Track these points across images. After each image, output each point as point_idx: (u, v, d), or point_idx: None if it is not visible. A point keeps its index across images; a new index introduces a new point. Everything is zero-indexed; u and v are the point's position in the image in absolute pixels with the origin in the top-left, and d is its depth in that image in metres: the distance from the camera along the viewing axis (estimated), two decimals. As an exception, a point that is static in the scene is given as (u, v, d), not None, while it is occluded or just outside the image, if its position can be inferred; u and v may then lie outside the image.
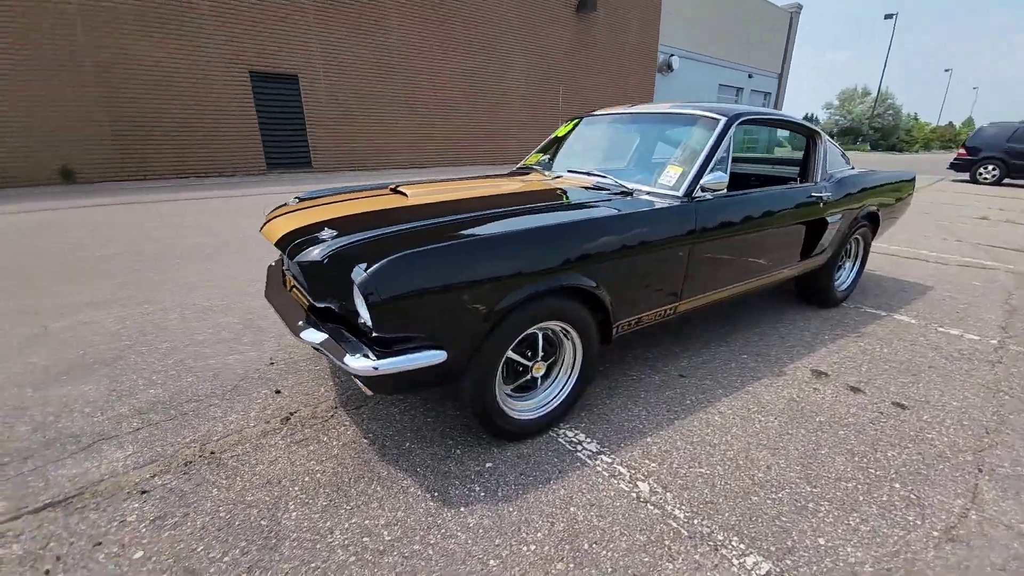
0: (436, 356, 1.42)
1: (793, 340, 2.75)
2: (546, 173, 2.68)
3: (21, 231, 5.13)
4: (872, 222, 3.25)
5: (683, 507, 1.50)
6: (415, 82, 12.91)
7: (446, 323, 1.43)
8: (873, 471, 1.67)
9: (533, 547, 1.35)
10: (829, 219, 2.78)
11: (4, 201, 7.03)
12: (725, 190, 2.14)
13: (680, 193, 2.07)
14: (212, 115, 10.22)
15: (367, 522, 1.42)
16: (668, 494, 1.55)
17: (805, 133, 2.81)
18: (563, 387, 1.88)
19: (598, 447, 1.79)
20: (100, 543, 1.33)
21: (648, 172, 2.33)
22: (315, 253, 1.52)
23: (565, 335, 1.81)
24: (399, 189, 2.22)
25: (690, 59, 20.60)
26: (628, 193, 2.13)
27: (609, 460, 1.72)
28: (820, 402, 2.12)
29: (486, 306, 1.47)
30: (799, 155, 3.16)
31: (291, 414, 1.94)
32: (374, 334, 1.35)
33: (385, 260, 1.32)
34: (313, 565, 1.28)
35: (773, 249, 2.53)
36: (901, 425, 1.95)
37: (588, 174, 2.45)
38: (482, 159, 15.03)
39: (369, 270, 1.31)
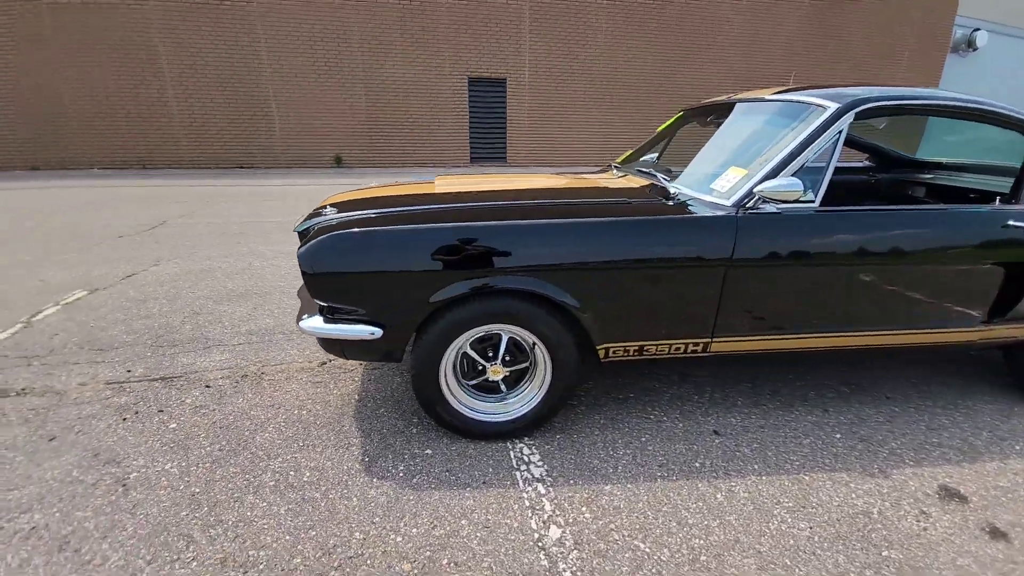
0: (370, 332, 1.52)
1: (945, 436, 1.85)
2: (616, 172, 2.42)
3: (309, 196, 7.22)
4: None
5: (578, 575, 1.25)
6: (611, 81, 12.79)
7: (381, 304, 1.51)
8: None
9: (399, 539, 1.34)
10: None
11: (296, 176, 9.95)
12: (802, 202, 1.58)
13: (730, 202, 1.63)
14: (438, 115, 12.24)
15: (302, 460, 1.64)
16: (574, 553, 1.31)
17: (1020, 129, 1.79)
18: (531, 399, 1.74)
19: (543, 474, 1.61)
20: (162, 410, 1.90)
21: (715, 174, 1.88)
22: (298, 227, 1.78)
23: (536, 345, 1.66)
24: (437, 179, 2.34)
25: (1006, 35, 14.63)
26: (669, 198, 1.78)
27: (542, 491, 1.53)
28: (913, 531, 1.41)
29: (418, 295, 1.49)
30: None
31: (328, 360, 2.33)
32: (317, 302, 1.54)
33: (316, 240, 1.48)
34: (247, 477, 1.56)
35: (911, 294, 1.74)
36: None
37: (651, 174, 2.12)
38: (676, 160, 13.95)
39: (305, 246, 1.49)
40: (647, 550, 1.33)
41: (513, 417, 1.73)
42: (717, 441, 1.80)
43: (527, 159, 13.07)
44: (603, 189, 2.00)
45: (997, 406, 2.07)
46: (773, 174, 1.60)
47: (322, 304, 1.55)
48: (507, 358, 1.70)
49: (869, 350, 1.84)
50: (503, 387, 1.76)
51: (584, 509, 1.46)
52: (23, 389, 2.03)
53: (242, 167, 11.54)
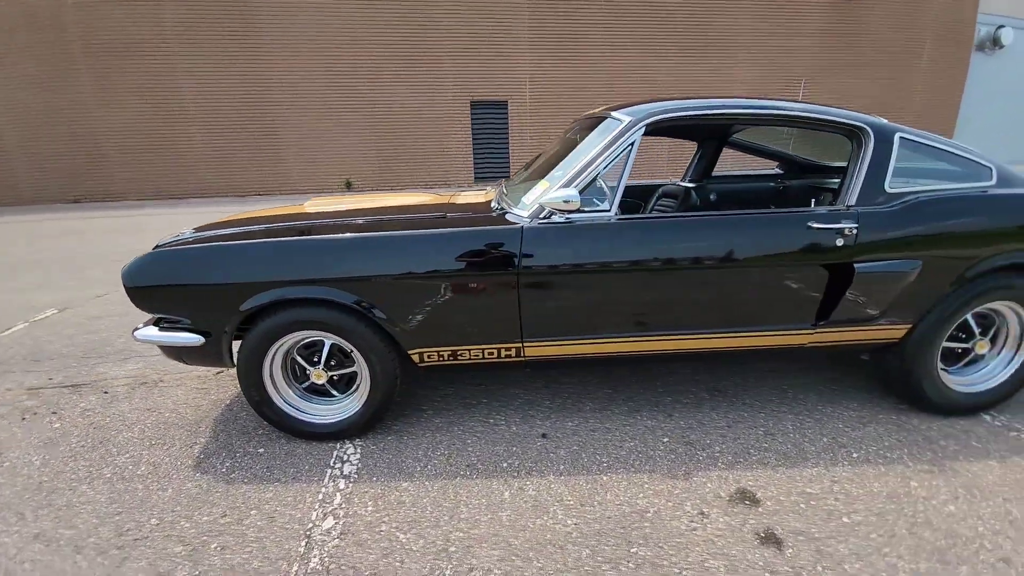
0: (191, 339, 1.70)
1: (778, 442, 1.82)
2: (493, 187, 2.54)
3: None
4: None
5: (326, 560, 1.35)
6: (611, 97, 12.90)
7: (199, 313, 1.69)
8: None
9: (187, 525, 1.48)
10: (861, 266, 1.70)
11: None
12: (598, 211, 1.67)
13: (526, 214, 1.72)
14: (442, 139, 12.71)
15: (146, 456, 1.82)
16: (335, 542, 1.41)
17: (846, 133, 1.78)
18: (356, 403, 1.86)
19: (352, 471, 1.72)
20: (55, 412, 2.15)
21: (533, 186, 1.97)
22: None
23: (353, 351, 1.79)
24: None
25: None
26: (503, 213, 1.88)
27: (342, 487, 1.64)
28: (678, 531, 1.42)
29: (229, 305, 1.66)
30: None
31: (223, 371, 2.53)
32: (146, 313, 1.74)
33: (135, 259, 1.69)
34: (91, 469, 1.75)
35: (723, 299, 1.76)
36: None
37: (501, 188, 2.24)
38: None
39: (126, 265, 1.70)
40: (404, 540, 1.41)
41: (339, 419, 1.85)
42: (540, 444, 1.85)
43: (528, 177, 13.30)
44: (445, 205, 2.12)
45: (857, 413, 2.01)
46: (566, 186, 1.69)
47: (156, 315, 1.75)
48: (332, 363, 1.84)
49: (692, 354, 1.85)
50: (333, 391, 1.89)
51: (370, 504, 1.56)
52: (-44, 394, 2.33)
53: (259, 194, 12.34)
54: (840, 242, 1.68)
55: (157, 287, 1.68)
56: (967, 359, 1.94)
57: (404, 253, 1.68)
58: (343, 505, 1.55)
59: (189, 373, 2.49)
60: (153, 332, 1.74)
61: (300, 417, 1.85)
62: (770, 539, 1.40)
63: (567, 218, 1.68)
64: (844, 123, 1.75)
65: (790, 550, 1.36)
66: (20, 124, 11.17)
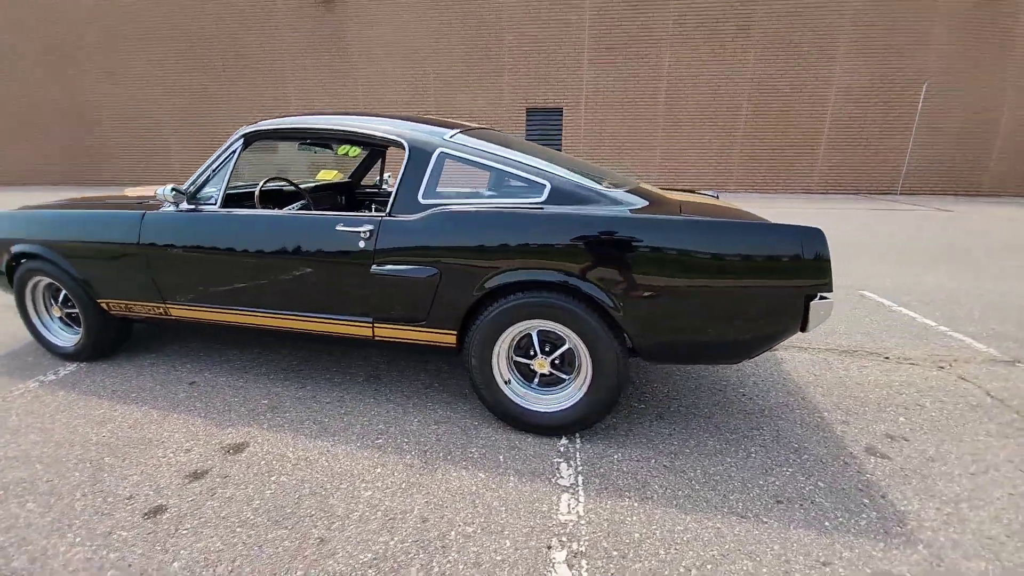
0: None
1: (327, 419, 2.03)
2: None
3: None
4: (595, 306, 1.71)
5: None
6: (680, 101, 12.21)
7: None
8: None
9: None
10: (377, 268, 1.83)
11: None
12: (207, 204, 2.16)
13: (167, 203, 2.21)
14: (496, 142, 13.35)
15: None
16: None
17: (391, 146, 1.92)
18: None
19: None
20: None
21: None
22: None
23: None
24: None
25: None
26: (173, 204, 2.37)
27: (29, 385, 2.32)
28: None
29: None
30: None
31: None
32: None
33: None
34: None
35: (297, 286, 2.02)
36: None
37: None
38: (770, 183, 12.52)
39: None
40: None
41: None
42: (184, 390, 2.32)
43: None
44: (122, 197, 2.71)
45: (443, 414, 2.08)
46: (192, 185, 2.14)
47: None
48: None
49: (293, 334, 2.13)
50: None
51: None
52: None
53: (339, 186, 14.30)
54: (362, 244, 1.85)
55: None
56: (550, 379, 1.91)
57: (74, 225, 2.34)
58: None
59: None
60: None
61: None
62: (158, 511, 1.70)
63: (179, 209, 2.13)
64: (383, 137, 1.90)
65: (168, 516, 1.65)
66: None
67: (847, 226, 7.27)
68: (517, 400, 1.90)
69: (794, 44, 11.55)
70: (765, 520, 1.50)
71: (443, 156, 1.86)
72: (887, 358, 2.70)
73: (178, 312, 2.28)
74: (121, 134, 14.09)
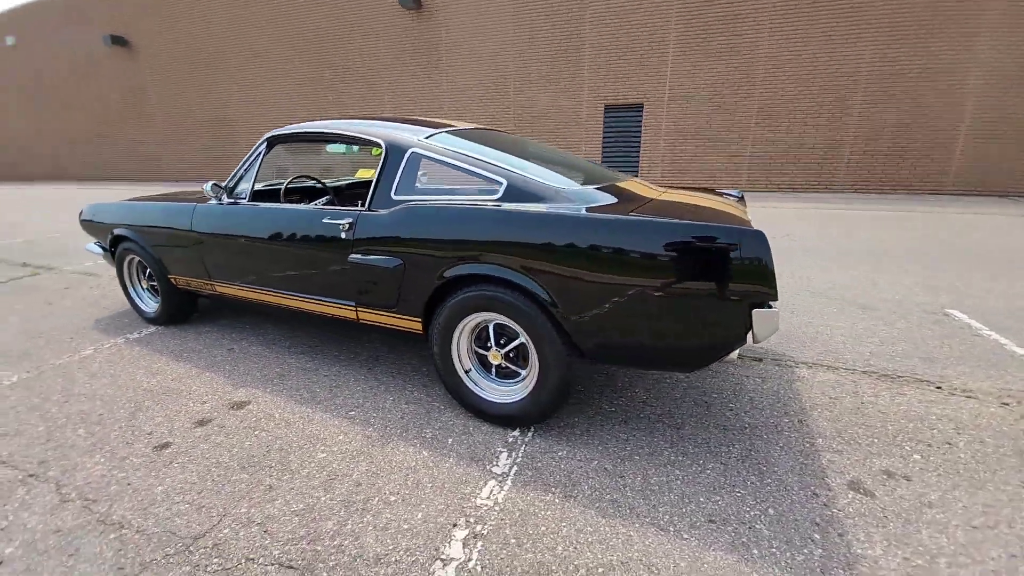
0: (99, 251, 3.22)
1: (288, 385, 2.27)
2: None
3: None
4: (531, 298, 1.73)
5: None
6: (774, 94, 11.11)
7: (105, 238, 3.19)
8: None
9: None
10: (353, 257, 2.00)
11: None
12: (240, 199, 2.53)
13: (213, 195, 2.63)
14: (575, 142, 13.27)
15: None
16: (77, 357, 2.67)
17: (367, 144, 2.07)
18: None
19: (133, 336, 2.97)
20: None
21: None
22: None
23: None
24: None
25: None
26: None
27: None
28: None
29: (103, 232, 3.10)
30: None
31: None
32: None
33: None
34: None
35: (296, 270, 2.30)
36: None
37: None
38: (890, 182, 10.99)
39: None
40: None
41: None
42: (223, 355, 2.75)
43: (660, 179, 12.68)
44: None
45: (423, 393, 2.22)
46: (231, 181, 2.53)
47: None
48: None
49: (293, 312, 2.42)
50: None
51: None
52: None
53: (423, 183, 15.24)
54: (343, 235, 2.05)
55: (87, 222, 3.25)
56: (507, 372, 1.97)
57: (156, 215, 2.84)
58: None
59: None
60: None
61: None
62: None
63: (221, 203, 2.53)
64: (365, 139, 2.07)
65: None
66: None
67: (977, 235, 6.08)
68: (474, 389, 1.98)
69: (924, 21, 9.88)
70: (685, 536, 1.42)
71: (416, 156, 2.00)
72: (939, 388, 2.29)
73: (221, 289, 2.70)
74: (250, 142, 16.42)
